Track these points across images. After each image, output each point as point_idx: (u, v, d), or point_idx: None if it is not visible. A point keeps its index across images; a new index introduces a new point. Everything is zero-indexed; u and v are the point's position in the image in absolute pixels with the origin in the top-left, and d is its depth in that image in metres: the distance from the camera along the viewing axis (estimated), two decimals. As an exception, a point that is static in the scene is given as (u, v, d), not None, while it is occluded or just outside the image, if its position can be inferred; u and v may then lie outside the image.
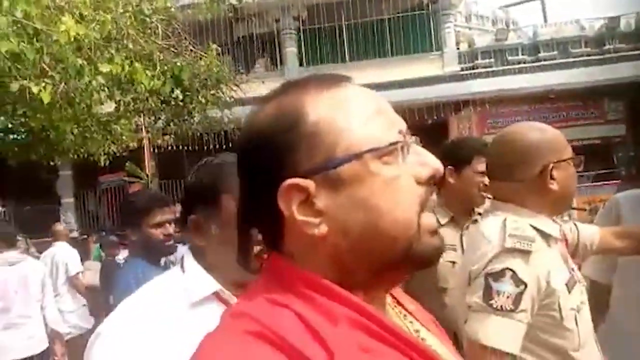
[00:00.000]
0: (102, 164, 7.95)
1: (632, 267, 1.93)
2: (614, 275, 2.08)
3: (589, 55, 12.60)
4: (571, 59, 12.57)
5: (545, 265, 1.36)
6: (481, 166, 2.14)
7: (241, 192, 0.64)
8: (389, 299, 0.67)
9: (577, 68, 12.30)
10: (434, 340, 0.68)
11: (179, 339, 0.96)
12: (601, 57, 12.47)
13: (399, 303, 0.70)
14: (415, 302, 0.75)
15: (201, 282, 1.07)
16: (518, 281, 1.30)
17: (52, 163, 9.02)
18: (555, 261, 1.41)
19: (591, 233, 1.72)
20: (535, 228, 1.40)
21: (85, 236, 8.59)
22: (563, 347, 1.35)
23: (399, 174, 0.58)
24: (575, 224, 1.75)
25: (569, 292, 1.39)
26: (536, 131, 1.48)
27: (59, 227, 6.14)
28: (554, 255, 1.43)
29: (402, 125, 0.62)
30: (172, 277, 1.12)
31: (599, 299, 2.18)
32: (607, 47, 12.63)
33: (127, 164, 10.42)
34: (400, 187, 0.58)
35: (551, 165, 1.42)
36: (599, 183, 11.50)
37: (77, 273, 5.41)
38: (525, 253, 1.33)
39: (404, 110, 11.21)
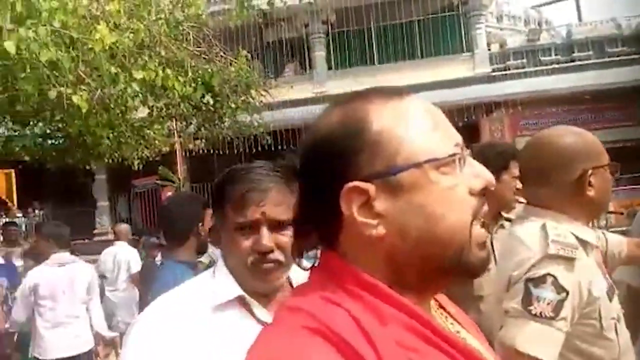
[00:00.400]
0: (136, 168, 8.13)
1: None
2: None
3: (625, 55, 12.26)
4: (607, 59, 12.26)
5: (587, 273, 1.33)
6: (517, 170, 2.11)
7: (301, 192, 0.68)
8: (432, 302, 0.71)
9: (613, 68, 11.98)
10: (474, 341, 0.70)
11: (200, 338, 1.04)
12: (637, 56, 12.12)
13: (441, 306, 0.73)
14: (455, 306, 0.77)
15: (226, 286, 1.11)
16: (560, 288, 1.27)
17: (88, 167, 9.28)
18: (594, 269, 1.39)
19: (619, 242, 1.68)
20: (574, 235, 1.37)
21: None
22: (602, 357, 1.32)
23: (455, 184, 0.62)
24: (603, 233, 1.71)
25: (610, 300, 1.37)
26: (573, 135, 1.45)
27: (121, 227, 6.60)
28: (592, 263, 1.40)
29: (459, 138, 0.66)
30: (203, 279, 1.18)
31: (636, 307, 2.12)
32: (644, 46, 12.28)
33: (159, 168, 10.63)
34: (455, 196, 0.62)
35: (590, 171, 1.40)
36: (636, 186, 11.18)
37: (137, 271, 5.85)
38: (568, 260, 1.30)
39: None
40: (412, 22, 13.11)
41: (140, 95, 5.01)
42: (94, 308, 3.93)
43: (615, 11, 14.59)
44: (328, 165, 0.63)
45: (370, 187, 0.61)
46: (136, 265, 5.96)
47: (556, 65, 12.45)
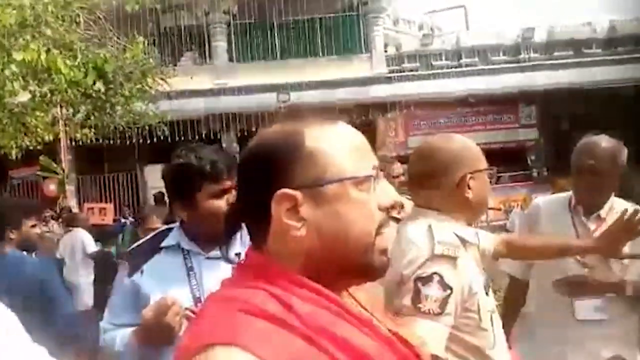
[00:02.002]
0: (14, 157, 7.45)
1: (547, 264, 2.05)
2: (532, 272, 2.22)
3: (506, 63, 13.32)
4: (490, 66, 13.25)
5: (467, 269, 1.44)
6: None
7: (239, 191, 0.81)
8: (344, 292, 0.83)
9: (496, 75, 12.97)
10: (376, 323, 0.81)
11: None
12: (517, 65, 13.24)
13: (350, 295, 0.83)
14: (368, 292, 0.88)
15: None
16: (445, 286, 1.37)
17: (-44, 156, 8.33)
18: (473, 265, 1.50)
19: (489, 241, 1.83)
20: (455, 234, 1.48)
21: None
22: (480, 346, 1.43)
23: (368, 199, 0.75)
24: (476, 232, 1.85)
25: (487, 294, 1.49)
26: (456, 143, 1.58)
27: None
28: (471, 259, 1.51)
29: (375, 160, 0.79)
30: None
31: (516, 295, 2.32)
32: (522, 55, 13.42)
33: (41, 157, 9.83)
34: (366, 209, 0.75)
35: (468, 175, 1.52)
36: (513, 184, 12.24)
37: None
38: (452, 259, 1.40)
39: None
40: (314, 20, 13.24)
41: (21, 78, 4.57)
42: None
43: (498, 22, 15.81)
44: (265, 172, 0.75)
45: (299, 195, 0.73)
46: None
47: (446, 70, 13.22)
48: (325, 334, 0.68)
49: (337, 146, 0.76)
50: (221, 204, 1.44)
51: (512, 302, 2.34)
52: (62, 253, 5.81)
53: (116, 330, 1.53)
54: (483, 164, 1.58)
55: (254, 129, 11.45)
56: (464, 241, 1.49)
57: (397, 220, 2.33)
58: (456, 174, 1.52)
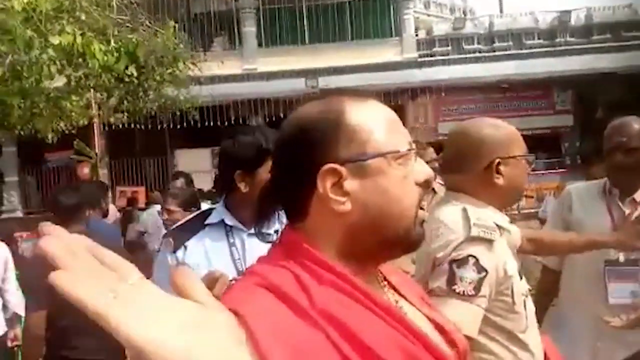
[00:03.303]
0: (50, 141, 7.62)
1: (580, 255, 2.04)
2: (565, 262, 2.19)
3: (541, 47, 12.98)
4: (524, 50, 12.93)
5: (502, 253, 1.44)
6: None
7: (277, 170, 0.81)
8: (378, 275, 0.83)
9: (530, 59, 12.66)
10: (409, 307, 0.82)
11: None
12: (552, 49, 12.88)
13: (385, 279, 0.85)
14: (402, 275, 0.89)
15: None
16: (480, 268, 1.37)
17: (-5, 139, 8.59)
18: (507, 250, 1.50)
19: (517, 234, 1.80)
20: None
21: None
22: (512, 329, 1.43)
23: (408, 174, 0.77)
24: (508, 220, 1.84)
25: (520, 278, 1.48)
26: (487, 127, 1.55)
27: None
28: (505, 244, 1.51)
29: (410, 138, 0.80)
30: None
31: (549, 286, 2.29)
32: (558, 39, 13.05)
33: (75, 141, 10.03)
34: (408, 183, 0.77)
35: (497, 160, 1.50)
36: (546, 171, 11.99)
37: None
38: (488, 242, 1.40)
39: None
40: (343, 3, 13.12)
41: (57, 62, 4.64)
42: (11, 287, 3.63)
43: (534, 5, 15.38)
44: (308, 148, 0.75)
45: (343, 170, 0.74)
46: None
47: (478, 54, 12.97)
48: (334, 321, 0.67)
49: (376, 121, 0.77)
50: None
51: (545, 292, 2.32)
52: (145, 227, 6.18)
53: None
54: (518, 149, 1.55)
55: (282, 115, 11.48)
56: (498, 225, 1.48)
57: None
58: (484, 158, 1.51)
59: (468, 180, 1.53)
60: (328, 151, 0.74)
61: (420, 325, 0.78)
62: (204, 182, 11.47)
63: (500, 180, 1.50)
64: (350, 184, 0.74)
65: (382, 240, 0.76)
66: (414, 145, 0.80)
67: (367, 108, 0.79)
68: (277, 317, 0.65)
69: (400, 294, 0.84)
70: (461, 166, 1.54)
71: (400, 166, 0.76)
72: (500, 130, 1.56)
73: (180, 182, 4.47)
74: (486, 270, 1.37)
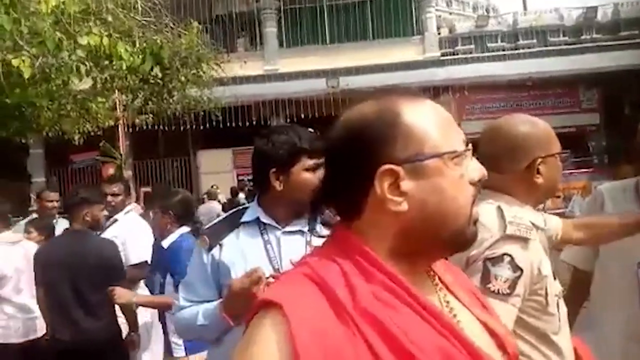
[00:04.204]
0: (77, 142, 7.74)
1: (612, 254, 1.99)
2: (596, 263, 2.13)
3: (566, 45, 12.76)
4: (549, 48, 12.72)
5: (538, 253, 1.42)
6: None
7: (330, 171, 0.80)
8: (431, 274, 0.83)
9: (555, 57, 12.46)
10: (461, 308, 0.82)
11: None
12: (578, 46, 12.66)
13: (439, 278, 0.84)
14: (457, 273, 0.90)
15: None
16: (515, 267, 1.35)
17: (23, 141, 8.75)
18: (542, 250, 1.47)
19: (556, 224, 1.77)
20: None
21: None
22: (545, 331, 1.41)
23: (463, 173, 0.77)
24: (543, 217, 1.80)
25: (555, 279, 1.46)
26: (526, 124, 1.52)
27: None
28: (539, 243, 1.48)
29: (463, 135, 0.80)
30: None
31: (580, 287, 2.24)
32: (584, 37, 12.81)
33: (101, 143, 10.18)
34: (463, 183, 0.77)
35: (539, 160, 1.47)
36: (572, 171, 11.78)
37: None
38: (524, 240, 1.38)
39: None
40: (364, 3, 13.08)
41: (85, 64, 4.71)
42: None
43: (558, 2, 15.13)
44: (364, 148, 0.75)
45: (401, 170, 0.73)
46: None
47: (502, 52, 12.80)
48: (375, 322, 0.67)
49: (432, 121, 0.77)
50: (313, 177, 1.56)
51: (576, 293, 2.26)
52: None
53: (196, 306, 1.58)
54: (555, 147, 1.52)
55: (303, 115, 11.48)
56: (534, 224, 1.45)
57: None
58: (524, 157, 1.48)
59: (506, 179, 1.49)
60: (385, 151, 0.74)
61: (471, 329, 0.78)
62: (226, 182, 11.57)
63: (540, 180, 1.48)
64: (407, 184, 0.74)
65: (436, 240, 0.76)
66: (469, 145, 0.79)
67: (422, 108, 0.78)
68: (317, 315, 0.67)
69: (453, 294, 0.83)
70: (499, 165, 1.49)
71: (456, 166, 0.76)
72: (539, 128, 1.52)
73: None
74: (521, 269, 1.35)
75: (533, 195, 1.51)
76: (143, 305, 3.21)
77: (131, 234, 3.60)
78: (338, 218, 0.82)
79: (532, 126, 1.51)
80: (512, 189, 1.49)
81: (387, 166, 0.73)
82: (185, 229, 3.00)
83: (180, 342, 2.87)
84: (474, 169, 0.79)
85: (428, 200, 0.74)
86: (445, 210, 0.75)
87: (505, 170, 1.49)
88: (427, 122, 0.76)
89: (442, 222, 0.75)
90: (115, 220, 3.68)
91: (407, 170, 0.74)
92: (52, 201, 4.59)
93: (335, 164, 0.79)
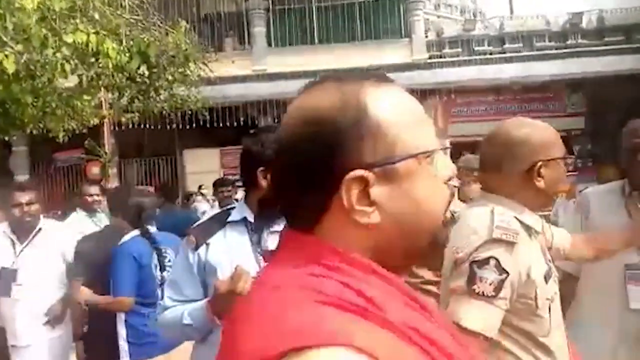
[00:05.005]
0: (61, 140, 7.64)
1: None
2: (583, 265, 2.16)
3: (552, 49, 12.89)
4: (535, 52, 12.84)
5: (527, 257, 1.43)
6: None
7: (281, 173, 0.67)
8: None
9: (541, 61, 12.57)
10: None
11: None
12: (564, 51, 12.79)
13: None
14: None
15: None
16: (501, 270, 1.37)
17: (6, 138, 8.61)
18: (536, 253, 1.48)
19: (564, 237, 1.79)
20: (519, 220, 1.46)
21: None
22: (533, 332, 1.43)
23: (436, 173, 0.67)
24: (550, 227, 1.82)
25: (546, 283, 1.47)
26: (527, 127, 1.53)
27: None
28: (535, 247, 1.49)
29: (434, 127, 0.71)
30: None
31: (567, 292, 2.26)
32: (570, 42, 12.95)
33: (87, 141, 10.06)
34: (438, 184, 0.68)
35: (539, 163, 1.48)
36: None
37: None
38: (509, 244, 1.40)
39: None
40: (352, 4, 13.08)
41: (70, 62, 4.65)
42: None
43: (544, 7, 15.31)
44: (325, 151, 0.62)
45: (371, 176, 0.62)
46: None
47: (489, 56, 12.89)
48: (414, 330, 0.59)
49: (403, 114, 0.65)
50: None
51: (563, 298, 2.29)
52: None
53: (181, 306, 1.57)
54: (558, 151, 1.53)
55: (291, 115, 11.42)
56: (528, 228, 1.47)
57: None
58: (524, 160, 1.48)
59: (506, 182, 1.50)
60: (350, 154, 0.61)
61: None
62: (212, 182, 11.49)
63: (540, 183, 1.48)
64: (377, 191, 0.62)
65: (409, 250, 0.66)
66: (445, 142, 0.73)
67: (391, 97, 0.66)
68: (386, 341, 0.56)
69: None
70: (500, 167, 1.52)
71: (430, 165, 0.66)
72: (541, 132, 1.53)
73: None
74: (507, 272, 1.37)
75: (534, 198, 1.51)
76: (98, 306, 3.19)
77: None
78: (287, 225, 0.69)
79: (533, 129, 1.52)
80: (513, 191, 1.50)
81: (355, 172, 0.61)
82: (136, 232, 3.04)
83: (126, 347, 2.86)
84: (445, 165, 0.74)
85: (401, 208, 0.63)
86: (420, 217, 0.65)
87: (506, 173, 1.50)
88: (398, 115, 0.64)
89: (418, 231, 0.65)
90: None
91: (377, 176, 0.62)
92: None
93: (288, 166, 0.65)
